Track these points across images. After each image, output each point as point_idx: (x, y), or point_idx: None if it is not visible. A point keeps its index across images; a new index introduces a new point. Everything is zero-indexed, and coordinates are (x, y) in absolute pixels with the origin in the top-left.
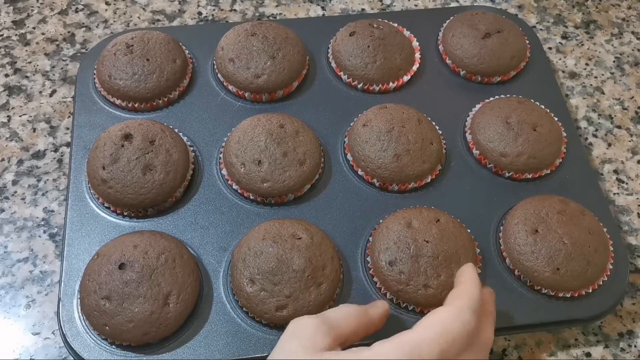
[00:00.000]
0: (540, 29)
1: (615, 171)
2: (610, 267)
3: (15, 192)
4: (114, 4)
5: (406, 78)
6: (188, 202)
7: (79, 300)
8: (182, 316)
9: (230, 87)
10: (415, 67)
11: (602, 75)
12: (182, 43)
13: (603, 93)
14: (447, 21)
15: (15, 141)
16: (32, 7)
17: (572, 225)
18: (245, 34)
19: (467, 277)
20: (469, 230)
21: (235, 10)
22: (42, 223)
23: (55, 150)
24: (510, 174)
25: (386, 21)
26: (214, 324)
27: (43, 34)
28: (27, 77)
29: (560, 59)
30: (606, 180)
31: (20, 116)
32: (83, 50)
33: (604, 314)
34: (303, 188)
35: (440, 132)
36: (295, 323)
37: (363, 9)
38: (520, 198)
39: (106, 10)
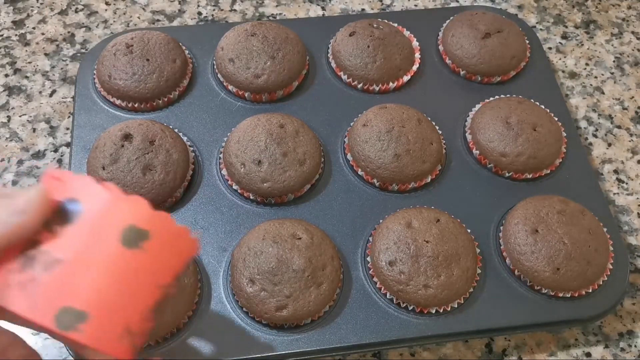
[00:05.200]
0: (540, 29)
1: (615, 171)
2: (610, 267)
3: None
4: (114, 4)
5: (406, 78)
6: (188, 202)
7: None
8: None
9: (230, 87)
10: (415, 67)
11: (602, 75)
12: (182, 43)
13: (603, 93)
14: (447, 21)
15: (15, 141)
16: (32, 7)
17: (572, 225)
18: (245, 34)
19: None
20: (469, 230)
21: (235, 10)
22: None
23: (55, 150)
24: (510, 174)
25: (386, 21)
26: (213, 324)
27: (43, 34)
28: (27, 77)
29: (560, 59)
30: (606, 180)
31: (20, 116)
32: (83, 50)
33: (604, 314)
34: (303, 188)
35: (440, 132)
36: None
37: (363, 9)
38: (520, 198)
39: (106, 10)
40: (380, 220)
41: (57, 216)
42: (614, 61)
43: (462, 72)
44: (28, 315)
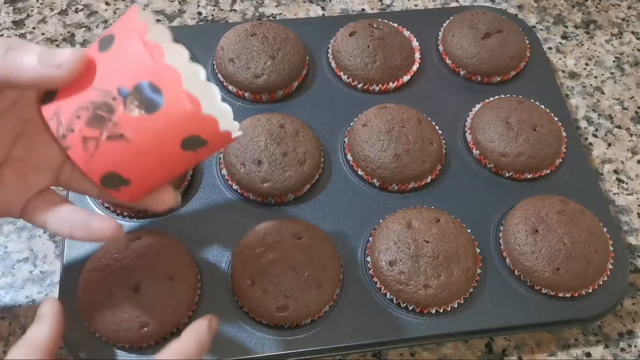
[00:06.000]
0: (540, 29)
1: (615, 171)
2: (610, 267)
3: None
4: (114, 4)
5: (406, 78)
6: (188, 202)
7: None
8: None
9: (230, 87)
10: (415, 67)
11: (602, 75)
12: (182, 43)
13: (603, 93)
14: (447, 21)
15: None
16: (32, 7)
17: (572, 225)
18: (245, 34)
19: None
20: (469, 230)
21: (235, 10)
22: None
23: None
24: (510, 174)
25: (386, 21)
26: None
27: (43, 34)
28: None
29: (560, 59)
30: (606, 180)
31: None
32: None
33: (604, 314)
34: (303, 188)
35: (440, 132)
36: None
37: (363, 9)
38: (520, 198)
39: (106, 10)
40: (380, 220)
41: (136, 93)
42: (614, 61)
43: (462, 72)
44: (81, 167)
